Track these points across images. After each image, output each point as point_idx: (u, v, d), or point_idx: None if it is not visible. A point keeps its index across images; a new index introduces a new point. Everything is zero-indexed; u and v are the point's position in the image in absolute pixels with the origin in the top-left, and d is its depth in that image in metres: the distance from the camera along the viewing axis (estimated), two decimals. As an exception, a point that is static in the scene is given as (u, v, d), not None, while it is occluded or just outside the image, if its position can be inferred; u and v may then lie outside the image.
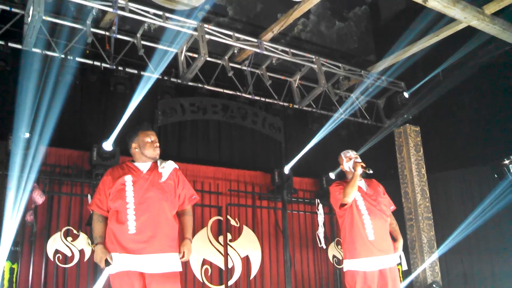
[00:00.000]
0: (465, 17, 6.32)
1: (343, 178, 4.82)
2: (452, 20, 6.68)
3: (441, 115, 8.18)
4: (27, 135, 5.24)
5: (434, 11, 6.25)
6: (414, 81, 8.11)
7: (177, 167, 3.70)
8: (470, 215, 7.23)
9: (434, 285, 7.33)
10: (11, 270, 4.78)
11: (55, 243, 5.65)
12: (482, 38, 6.95)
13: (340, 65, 7.78)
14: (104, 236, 3.48)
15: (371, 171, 4.45)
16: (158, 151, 3.64)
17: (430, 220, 7.88)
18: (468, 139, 7.64)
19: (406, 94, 8.22)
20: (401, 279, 7.29)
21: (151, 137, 3.63)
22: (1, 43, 5.63)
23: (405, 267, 7.35)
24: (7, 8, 5.72)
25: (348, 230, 4.43)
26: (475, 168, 7.66)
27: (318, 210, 7.58)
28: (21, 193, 4.93)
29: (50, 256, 5.59)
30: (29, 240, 5.51)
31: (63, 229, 5.76)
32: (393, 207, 4.77)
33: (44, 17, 5.34)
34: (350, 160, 4.60)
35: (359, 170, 4.40)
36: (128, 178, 3.53)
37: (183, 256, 3.51)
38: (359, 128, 8.65)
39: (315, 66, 7.41)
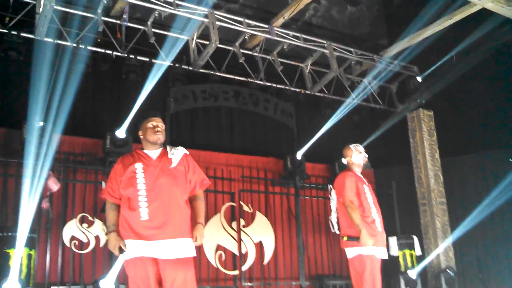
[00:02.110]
0: (479, -1, 6.23)
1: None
2: (466, 2, 6.59)
3: (454, 99, 8.09)
4: (41, 123, 5.31)
5: (448, -7, 6.17)
6: (427, 65, 8.03)
7: (187, 153, 3.70)
8: (484, 199, 7.17)
9: (448, 270, 7.32)
10: (29, 256, 4.87)
11: (71, 229, 5.76)
12: (497, 21, 6.83)
13: (352, 50, 7.73)
14: (117, 224, 3.51)
15: None
16: (158, 135, 3.61)
17: (443, 205, 7.84)
18: (482, 123, 7.56)
19: (419, 78, 8.16)
20: (415, 264, 7.29)
21: (152, 123, 3.64)
22: (14, 33, 5.70)
23: (418, 252, 7.40)
24: (19, -2, 5.78)
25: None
26: (489, 152, 7.60)
27: (330, 195, 7.56)
28: (37, 181, 5.01)
29: (66, 242, 5.71)
30: (46, 226, 5.63)
31: (79, 216, 5.87)
32: None
33: (55, 7, 5.39)
34: (360, 153, 4.74)
35: (364, 241, 4.35)
36: (139, 166, 3.54)
37: (195, 241, 3.53)
38: (372, 113, 8.62)
39: (327, 51, 7.37)
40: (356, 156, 4.72)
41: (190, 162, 3.67)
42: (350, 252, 4.51)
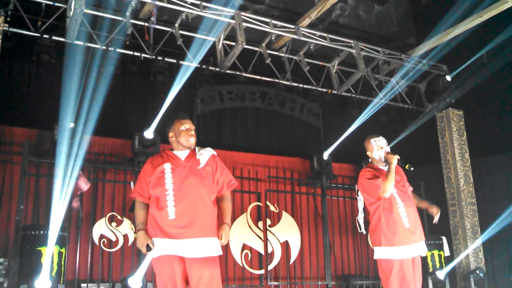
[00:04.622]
0: (511, -4, 6.11)
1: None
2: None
3: (485, 98, 7.93)
4: (72, 125, 5.45)
5: (478, -10, 6.07)
6: (457, 64, 7.89)
7: (215, 154, 3.73)
8: (515, 200, 7.03)
9: (477, 271, 7.19)
10: (60, 254, 4.99)
11: (100, 228, 5.90)
12: (528, 18, 6.70)
13: (379, 49, 7.67)
14: (145, 223, 3.57)
15: (412, 168, 4.35)
16: (192, 139, 3.67)
17: (473, 205, 7.72)
18: (514, 122, 7.41)
19: (448, 77, 8.02)
20: (443, 265, 7.19)
21: (185, 126, 3.68)
22: (46, 37, 5.86)
23: (447, 253, 7.29)
24: (50, 3, 5.94)
25: (385, 219, 4.32)
26: (520, 152, 7.45)
27: (358, 195, 7.52)
28: (67, 180, 5.14)
29: (96, 240, 5.85)
30: (76, 225, 5.78)
31: (108, 215, 6.00)
32: (411, 188, 4.67)
33: (85, 10, 5.51)
34: (381, 149, 4.44)
35: (395, 163, 4.29)
36: (167, 166, 3.60)
37: (220, 240, 3.57)
38: (400, 113, 8.53)
39: (353, 51, 7.33)
40: (377, 152, 4.43)
41: (218, 163, 3.71)
42: (377, 252, 4.42)
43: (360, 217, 7.38)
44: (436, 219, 4.60)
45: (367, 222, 7.51)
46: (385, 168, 4.42)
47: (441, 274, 6.93)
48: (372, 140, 4.48)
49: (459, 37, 7.51)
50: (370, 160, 4.63)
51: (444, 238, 7.43)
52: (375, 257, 4.43)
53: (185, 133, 3.65)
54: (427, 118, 8.20)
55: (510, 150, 7.56)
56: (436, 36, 7.60)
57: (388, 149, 4.44)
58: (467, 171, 7.86)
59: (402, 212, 4.30)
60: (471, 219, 7.62)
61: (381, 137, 4.50)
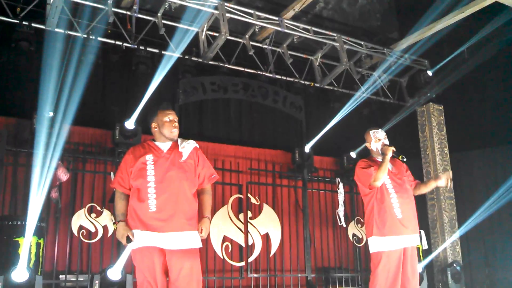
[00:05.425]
0: (492, -8, 6.17)
1: (365, 155, 4.77)
2: (478, -5, 6.53)
3: (465, 93, 8.03)
4: (51, 114, 5.36)
5: (460, -14, 6.11)
6: (438, 59, 7.96)
7: (198, 146, 3.70)
8: (493, 194, 7.14)
9: (454, 265, 7.31)
10: (38, 245, 4.93)
11: (79, 219, 5.84)
12: (509, 14, 6.76)
13: (362, 43, 7.69)
14: (126, 214, 3.54)
15: (405, 159, 4.40)
16: (176, 131, 3.63)
17: (451, 199, 7.82)
18: (493, 118, 7.52)
19: (429, 72, 8.09)
20: (421, 258, 7.29)
21: (169, 117, 3.63)
22: (25, 24, 5.73)
23: (425, 246, 7.38)
24: (30, -11, 5.81)
25: (377, 209, 4.38)
26: (499, 148, 7.55)
27: (338, 189, 7.60)
28: (46, 170, 5.06)
29: (75, 231, 5.79)
30: (54, 216, 5.71)
31: (87, 206, 5.94)
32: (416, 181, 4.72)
33: (66, -3, 5.41)
34: (379, 141, 4.51)
35: (390, 155, 4.36)
36: (149, 157, 3.55)
37: (200, 233, 3.56)
38: (381, 107, 8.57)
39: (337, 44, 7.34)
40: (374, 143, 4.50)
41: (200, 156, 3.68)
42: (370, 244, 4.46)
43: (341, 210, 7.51)
44: (446, 181, 4.57)
45: (347, 215, 7.63)
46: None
47: (418, 267, 7.00)
48: (371, 132, 4.55)
49: (441, 32, 7.58)
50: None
51: (422, 232, 7.52)
52: (370, 251, 4.48)
53: (168, 125, 3.60)
54: (408, 113, 8.27)
55: (489, 145, 7.67)
56: (418, 31, 7.66)
57: (386, 141, 4.50)
58: (446, 166, 7.96)
59: (394, 203, 4.35)
60: (449, 213, 7.73)
61: (380, 129, 4.59)
